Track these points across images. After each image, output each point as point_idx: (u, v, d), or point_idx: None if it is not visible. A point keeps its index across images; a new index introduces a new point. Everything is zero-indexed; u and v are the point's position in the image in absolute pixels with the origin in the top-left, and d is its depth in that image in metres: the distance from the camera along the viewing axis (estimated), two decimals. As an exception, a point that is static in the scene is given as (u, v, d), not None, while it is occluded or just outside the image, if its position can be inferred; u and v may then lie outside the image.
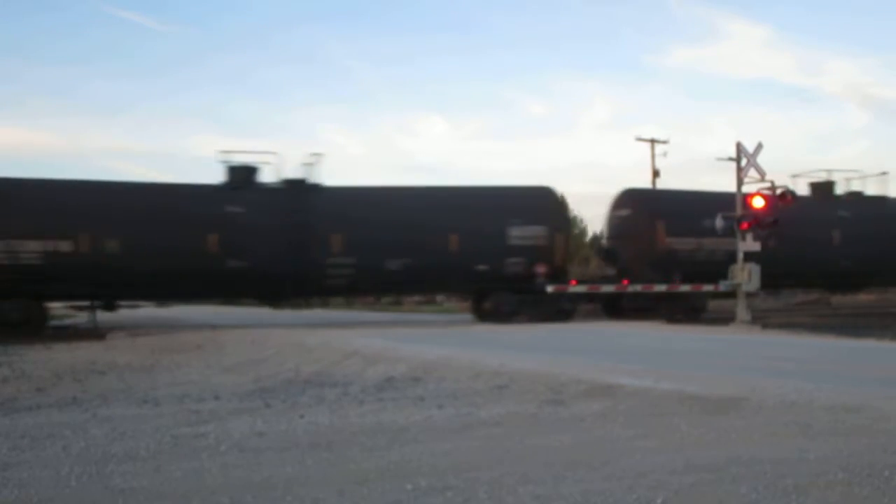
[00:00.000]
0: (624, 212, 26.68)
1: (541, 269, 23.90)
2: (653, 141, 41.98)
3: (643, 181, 41.40)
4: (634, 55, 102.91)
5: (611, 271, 26.91)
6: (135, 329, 21.49)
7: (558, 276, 24.41)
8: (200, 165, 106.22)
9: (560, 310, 24.08)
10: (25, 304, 21.18)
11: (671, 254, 25.16)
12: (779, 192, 21.79)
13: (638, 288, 24.86)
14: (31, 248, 20.97)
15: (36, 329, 20.74)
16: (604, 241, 28.29)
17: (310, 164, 23.76)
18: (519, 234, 24.08)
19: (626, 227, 26.34)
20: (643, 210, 26.36)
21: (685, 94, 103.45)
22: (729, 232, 21.79)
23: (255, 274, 22.52)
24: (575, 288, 24.59)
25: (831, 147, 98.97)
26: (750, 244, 21.66)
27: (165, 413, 8.02)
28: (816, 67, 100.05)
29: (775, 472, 5.04)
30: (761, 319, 22.57)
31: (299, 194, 23.36)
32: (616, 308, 25.09)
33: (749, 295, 22.50)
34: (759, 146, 21.98)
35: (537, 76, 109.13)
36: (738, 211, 21.82)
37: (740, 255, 21.74)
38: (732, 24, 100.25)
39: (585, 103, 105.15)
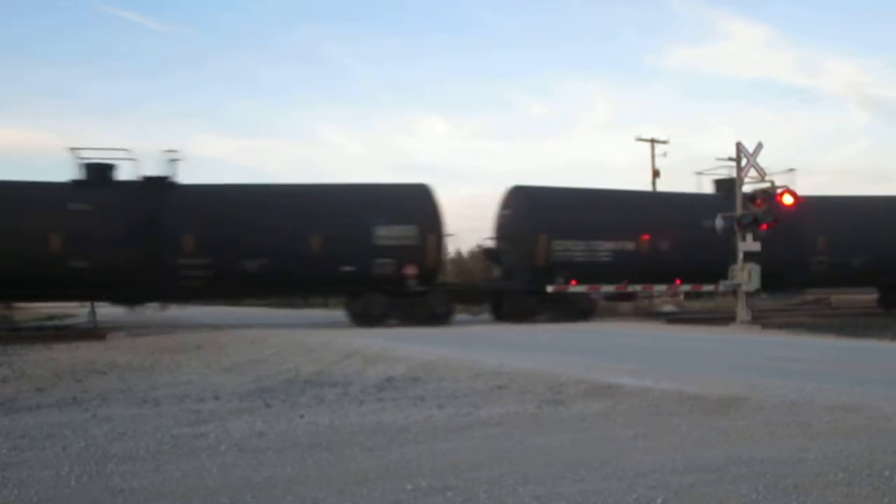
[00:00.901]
0: None
1: None
2: (653, 141, 42.08)
3: (643, 181, 41.46)
4: (634, 55, 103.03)
5: None
6: (135, 329, 21.50)
7: None
8: (200, 165, 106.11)
9: None
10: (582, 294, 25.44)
11: None
12: (779, 191, 21.80)
13: (638, 287, 25.62)
14: (606, 248, 25.65)
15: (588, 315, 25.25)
16: None
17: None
18: None
19: None
20: None
21: (685, 94, 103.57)
22: (729, 232, 21.77)
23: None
24: (574, 288, 24.99)
25: (831, 147, 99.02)
26: (750, 244, 21.63)
27: (165, 413, 8.01)
28: (816, 67, 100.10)
29: (775, 472, 5.04)
30: (761, 319, 22.57)
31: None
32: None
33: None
34: (759, 146, 21.97)
35: (537, 76, 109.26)
36: (738, 210, 21.81)
37: (740, 256, 21.71)
38: (732, 23, 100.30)
39: (585, 103, 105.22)
